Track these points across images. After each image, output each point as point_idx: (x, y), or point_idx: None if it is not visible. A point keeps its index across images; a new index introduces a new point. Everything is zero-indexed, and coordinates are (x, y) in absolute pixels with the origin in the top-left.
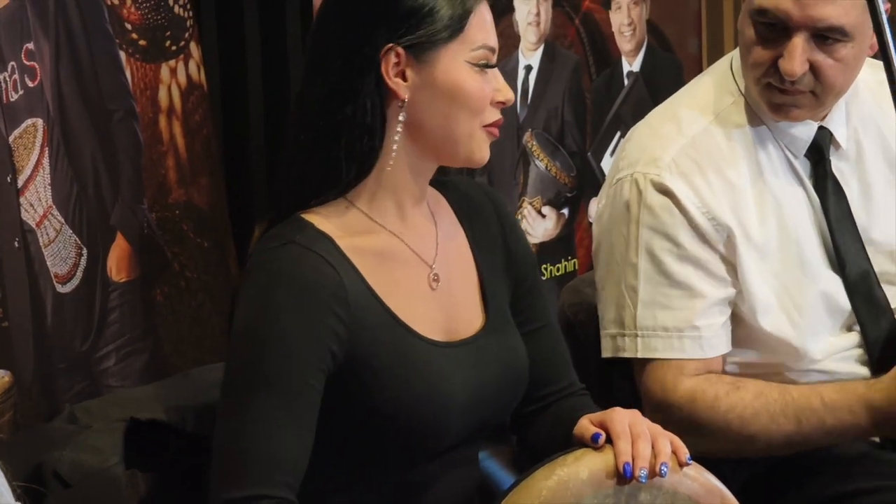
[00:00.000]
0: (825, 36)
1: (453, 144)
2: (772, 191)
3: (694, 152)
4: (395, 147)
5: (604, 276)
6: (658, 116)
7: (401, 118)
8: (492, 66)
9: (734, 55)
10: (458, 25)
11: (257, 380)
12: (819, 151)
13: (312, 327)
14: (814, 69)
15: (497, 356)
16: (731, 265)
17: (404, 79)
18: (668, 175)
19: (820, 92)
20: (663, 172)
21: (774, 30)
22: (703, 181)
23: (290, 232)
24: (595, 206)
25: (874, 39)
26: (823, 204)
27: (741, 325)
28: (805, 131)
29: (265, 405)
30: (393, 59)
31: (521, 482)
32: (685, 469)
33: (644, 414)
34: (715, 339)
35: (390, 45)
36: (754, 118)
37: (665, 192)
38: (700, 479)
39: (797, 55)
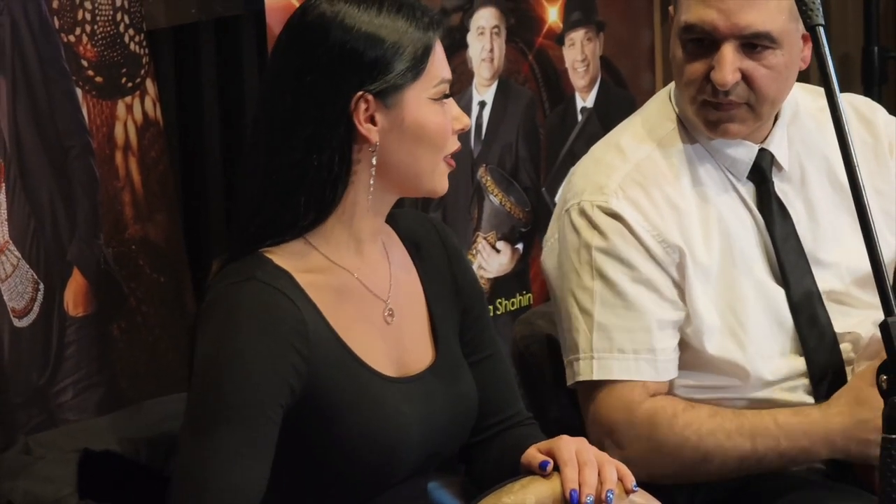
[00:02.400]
0: (753, 44)
1: (418, 179)
2: (716, 212)
3: (639, 176)
4: (371, 190)
5: (559, 307)
6: (601, 148)
7: (374, 161)
8: (448, 97)
9: (671, 86)
10: (420, 65)
11: (218, 412)
12: (761, 173)
13: (273, 361)
14: (746, 78)
15: (447, 391)
16: (680, 288)
17: (374, 123)
18: (615, 200)
19: (754, 102)
20: (610, 198)
21: (703, 45)
22: (650, 205)
23: (249, 268)
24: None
25: (806, 52)
26: (768, 224)
27: (688, 349)
28: (745, 153)
29: (225, 437)
30: (363, 106)
31: None
32: (632, 496)
33: (593, 438)
34: (669, 363)
35: (360, 92)
36: (694, 142)
37: (614, 216)
38: None
39: (727, 64)
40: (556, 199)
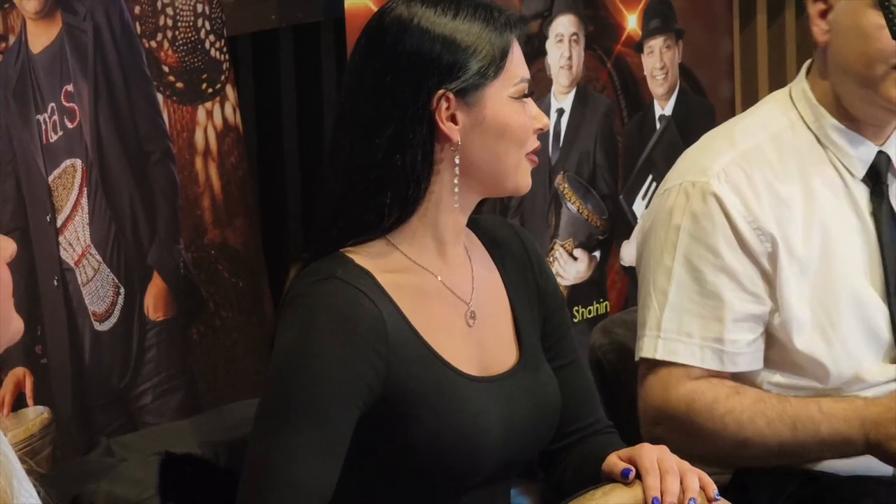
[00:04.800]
0: None
1: (502, 178)
2: (822, 210)
3: (745, 163)
4: (456, 189)
5: (639, 282)
6: (709, 136)
7: (457, 160)
8: (529, 95)
9: (792, 86)
10: (500, 63)
11: (291, 409)
12: (877, 175)
13: (350, 361)
14: None
15: (530, 392)
16: (770, 280)
17: (455, 122)
18: (717, 182)
19: None
20: (711, 180)
21: None
22: (750, 191)
23: (331, 267)
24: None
25: None
26: (878, 229)
27: (776, 346)
28: (865, 153)
29: (296, 434)
30: (444, 104)
31: None
32: None
33: (643, 420)
34: (738, 356)
35: (441, 91)
36: (812, 142)
37: (712, 199)
38: None
39: None
40: (641, 206)
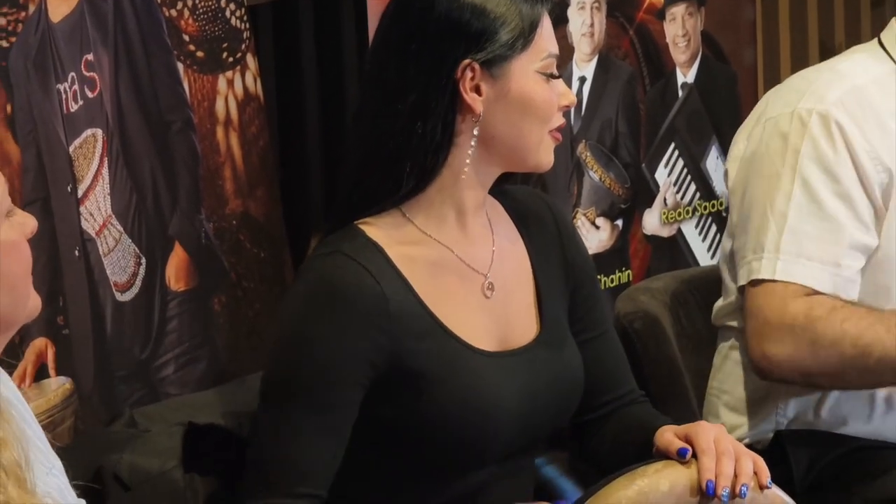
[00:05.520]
0: None
1: (524, 153)
2: None
3: (858, 96)
4: (467, 161)
5: (746, 211)
6: (810, 71)
7: (475, 132)
8: (557, 77)
9: (882, 36)
10: (528, 36)
11: (291, 391)
12: None
13: (349, 340)
14: None
15: (550, 366)
16: (879, 213)
17: (479, 93)
18: (836, 111)
19: None
20: (831, 108)
21: None
22: (867, 122)
23: (339, 241)
24: (649, 215)
25: None
26: None
27: (874, 280)
28: None
29: (297, 417)
30: (469, 74)
31: (600, 490)
32: (766, 492)
33: (750, 336)
34: (849, 284)
35: (467, 61)
36: None
37: (834, 125)
38: (777, 499)
39: None
40: (663, 173)
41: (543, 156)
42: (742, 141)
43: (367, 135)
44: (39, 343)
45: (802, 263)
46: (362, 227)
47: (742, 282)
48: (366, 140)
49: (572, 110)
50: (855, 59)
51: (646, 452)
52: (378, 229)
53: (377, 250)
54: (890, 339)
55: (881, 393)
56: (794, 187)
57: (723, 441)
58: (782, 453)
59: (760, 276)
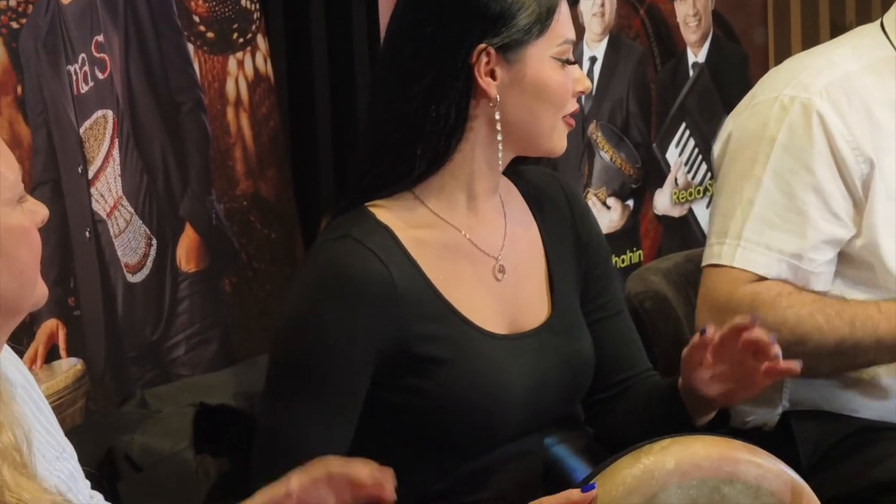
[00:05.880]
0: None
1: (537, 138)
2: None
3: (846, 84)
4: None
5: (719, 191)
6: (806, 57)
7: (497, 116)
8: (572, 63)
9: (884, 19)
10: (545, 22)
11: (296, 377)
12: None
13: (355, 326)
14: None
15: (561, 349)
16: (858, 204)
17: (494, 78)
18: (819, 100)
19: None
20: (814, 97)
21: None
22: (851, 112)
23: (348, 224)
24: (660, 195)
25: None
26: None
27: (869, 268)
28: None
29: (301, 404)
30: (484, 59)
31: (605, 468)
32: (776, 471)
33: (700, 318)
34: (812, 275)
35: (483, 45)
36: None
37: (815, 115)
38: (784, 475)
39: None
40: (674, 153)
41: (557, 141)
42: (731, 121)
43: (380, 118)
44: (50, 324)
45: (762, 252)
46: (373, 209)
47: (704, 263)
48: (379, 123)
49: None
50: (854, 43)
51: (653, 419)
52: (389, 212)
53: (387, 233)
54: (828, 329)
55: (888, 376)
56: (764, 175)
57: None
58: (789, 434)
59: (720, 262)
